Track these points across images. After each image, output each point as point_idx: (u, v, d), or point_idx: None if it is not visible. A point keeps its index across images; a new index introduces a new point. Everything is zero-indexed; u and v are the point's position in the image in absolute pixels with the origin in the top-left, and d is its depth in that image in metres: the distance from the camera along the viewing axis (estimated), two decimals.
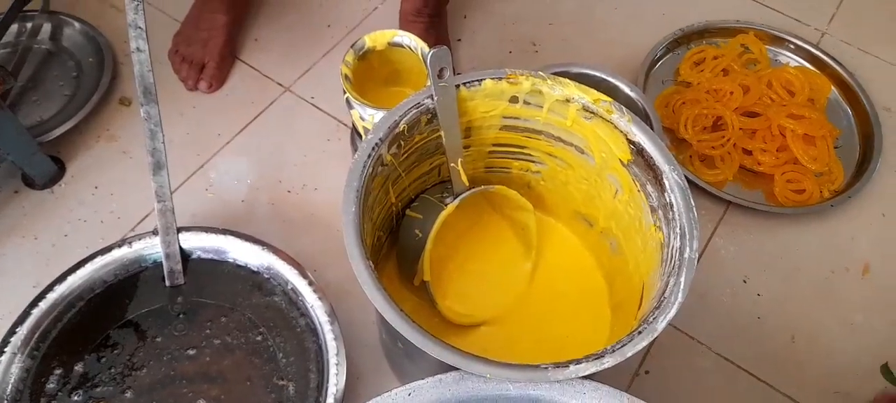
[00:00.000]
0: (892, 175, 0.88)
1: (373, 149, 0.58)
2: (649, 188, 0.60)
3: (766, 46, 0.97)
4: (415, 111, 0.60)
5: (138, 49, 0.67)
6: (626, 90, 0.83)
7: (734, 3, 1.04)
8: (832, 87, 0.94)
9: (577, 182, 0.70)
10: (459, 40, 0.99)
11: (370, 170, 0.58)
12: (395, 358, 0.69)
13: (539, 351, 0.69)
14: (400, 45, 0.72)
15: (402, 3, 0.93)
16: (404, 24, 0.93)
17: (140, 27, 0.66)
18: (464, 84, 0.61)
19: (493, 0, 1.03)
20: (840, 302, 0.79)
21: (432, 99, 0.60)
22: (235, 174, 0.87)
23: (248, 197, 0.86)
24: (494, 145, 0.70)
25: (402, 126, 0.60)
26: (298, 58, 0.97)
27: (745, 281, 0.80)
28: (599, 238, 0.73)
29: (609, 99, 0.61)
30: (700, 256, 0.82)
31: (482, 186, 0.70)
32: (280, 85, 0.95)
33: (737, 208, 0.84)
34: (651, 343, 0.50)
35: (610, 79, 0.84)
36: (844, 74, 0.94)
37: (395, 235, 0.72)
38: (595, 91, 0.61)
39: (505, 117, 0.66)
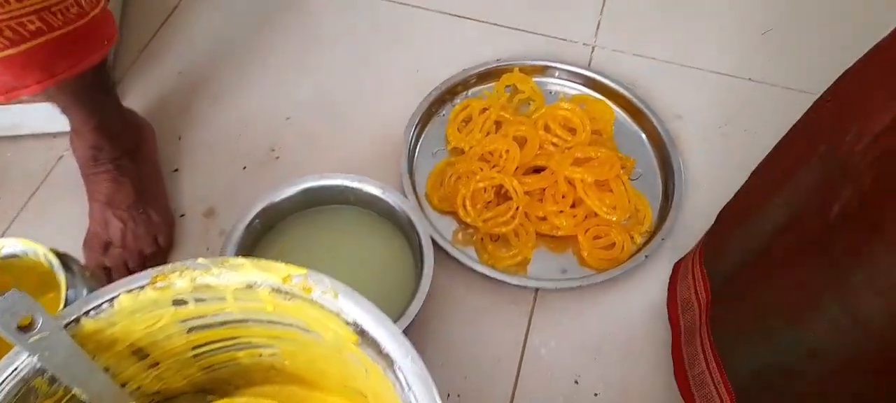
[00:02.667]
0: (701, 192, 0.78)
1: None
2: (391, 376, 0.42)
3: (536, 79, 0.85)
4: (14, 382, 0.39)
5: None
6: (378, 193, 0.66)
7: (491, 40, 0.91)
8: (615, 109, 0.83)
9: (324, 359, 0.51)
10: (177, 170, 0.77)
11: None
12: None
13: None
14: (15, 256, 0.49)
15: (75, 157, 0.70)
16: (89, 182, 0.70)
17: None
18: (84, 315, 0.41)
19: (213, 108, 0.83)
20: None
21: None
22: None
23: None
24: (195, 347, 0.50)
25: None
26: None
27: (577, 382, 0.65)
28: None
29: (304, 271, 0.43)
30: (520, 362, 0.66)
31: None
32: None
33: (548, 290, 0.70)
34: None
35: (355, 185, 0.66)
36: (622, 91, 0.83)
37: None
38: (284, 266, 0.43)
39: (183, 321, 0.46)
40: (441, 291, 0.70)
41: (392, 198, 0.66)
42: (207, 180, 0.77)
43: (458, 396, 0.64)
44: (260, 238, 0.66)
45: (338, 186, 0.67)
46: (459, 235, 0.74)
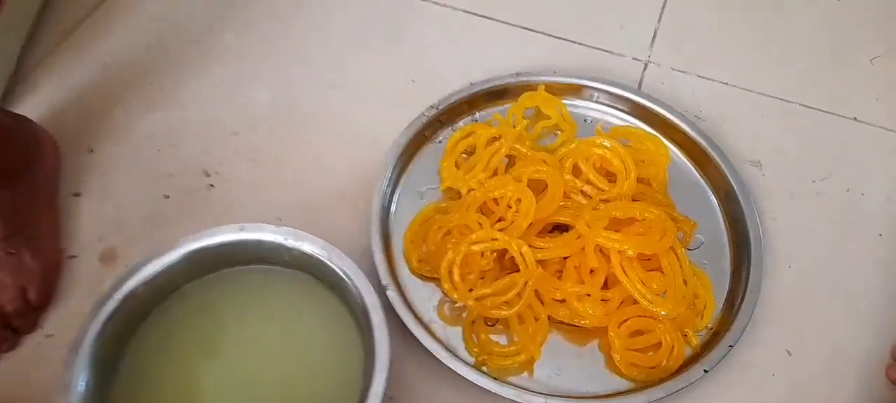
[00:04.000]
0: (787, 273, 0.56)
1: None
2: None
3: (566, 101, 0.64)
4: None
5: None
6: (321, 255, 0.46)
7: (510, 46, 0.71)
8: (671, 149, 0.62)
9: None
10: (78, 195, 0.58)
11: None
12: None
13: None
14: None
15: None
16: None
17: None
18: None
19: (140, 113, 0.64)
20: None
21: None
22: None
23: None
24: None
25: None
26: None
27: None
28: None
29: None
30: None
31: None
32: None
33: None
34: None
35: (290, 243, 0.46)
36: (682, 125, 0.61)
37: None
38: None
39: None
40: (409, 393, 0.50)
41: (340, 266, 0.45)
42: (115, 210, 0.58)
43: None
44: (147, 314, 0.46)
45: (268, 243, 0.47)
46: (445, 309, 0.54)
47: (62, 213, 0.56)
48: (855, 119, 0.66)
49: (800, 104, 0.66)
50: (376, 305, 0.44)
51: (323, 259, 0.46)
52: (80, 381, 0.41)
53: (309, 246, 0.46)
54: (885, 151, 0.64)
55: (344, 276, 0.45)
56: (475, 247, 0.52)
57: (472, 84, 0.64)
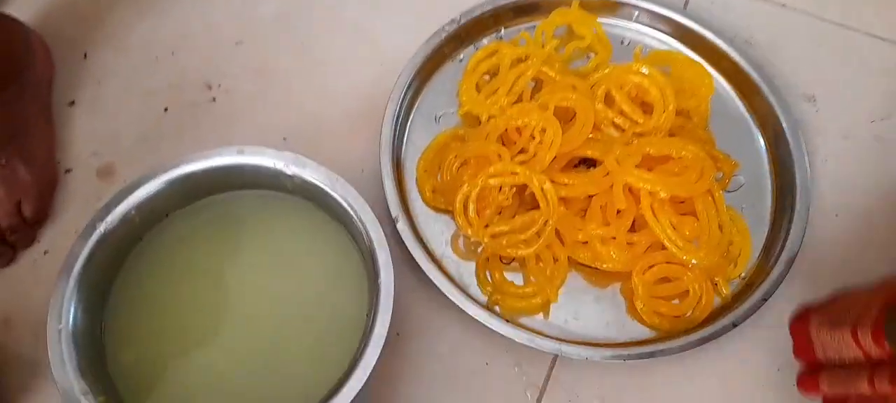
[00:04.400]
0: (834, 223, 0.51)
1: None
2: None
3: (603, 20, 0.58)
4: None
5: None
6: (323, 185, 0.42)
7: None
8: (717, 78, 0.56)
9: None
10: (72, 104, 0.55)
11: None
12: None
13: None
14: None
15: None
16: None
17: None
18: None
19: (138, 19, 0.59)
20: None
21: None
22: None
23: None
24: None
25: None
26: None
27: None
28: None
29: None
30: None
31: None
32: None
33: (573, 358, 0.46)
34: None
35: (292, 170, 0.43)
36: (730, 51, 0.55)
37: None
38: None
39: None
40: (417, 329, 0.47)
41: (345, 197, 0.42)
42: (112, 122, 0.54)
43: None
44: (140, 237, 0.43)
45: (267, 168, 0.43)
46: (459, 242, 0.50)
47: (56, 123, 0.53)
48: None
49: (865, 33, 0.59)
50: (382, 242, 0.40)
51: (326, 188, 0.42)
52: (72, 307, 0.39)
53: (311, 173, 0.42)
54: None
55: (349, 208, 0.42)
56: (493, 181, 0.48)
57: None
